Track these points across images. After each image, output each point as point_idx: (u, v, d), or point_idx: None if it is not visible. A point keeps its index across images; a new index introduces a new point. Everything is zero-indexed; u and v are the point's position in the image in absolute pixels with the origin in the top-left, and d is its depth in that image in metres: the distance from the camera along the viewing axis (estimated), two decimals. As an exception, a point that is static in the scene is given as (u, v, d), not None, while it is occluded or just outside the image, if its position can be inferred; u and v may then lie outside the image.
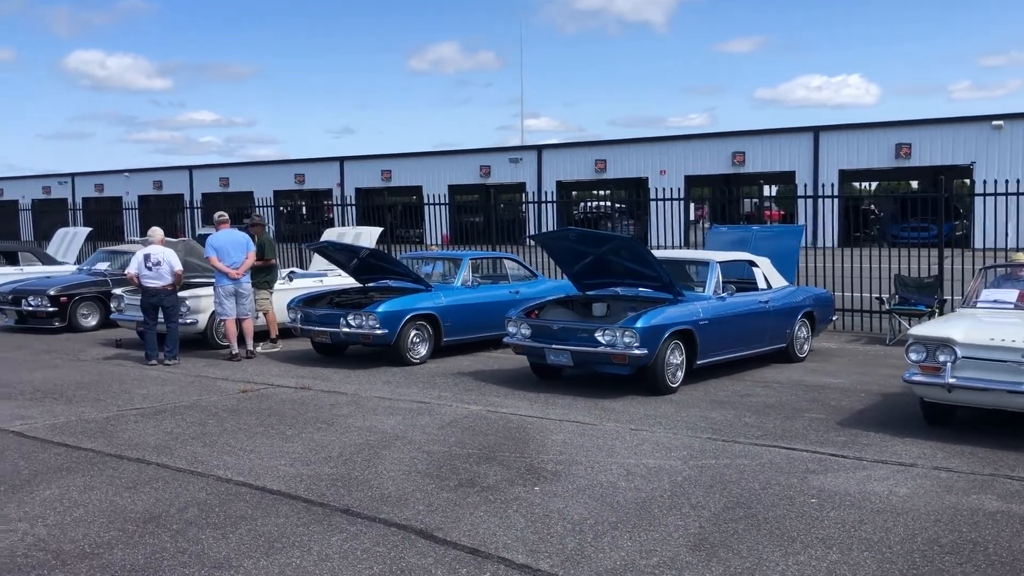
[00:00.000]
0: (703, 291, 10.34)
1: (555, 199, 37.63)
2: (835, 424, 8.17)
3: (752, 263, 11.40)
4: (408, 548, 5.06)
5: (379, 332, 11.42)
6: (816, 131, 38.99)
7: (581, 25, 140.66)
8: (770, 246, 12.32)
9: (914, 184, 45.05)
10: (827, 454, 7.10)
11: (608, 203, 41.94)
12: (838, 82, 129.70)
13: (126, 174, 61.81)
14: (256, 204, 33.53)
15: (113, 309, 14.01)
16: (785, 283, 11.77)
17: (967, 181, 42.08)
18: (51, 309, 15.65)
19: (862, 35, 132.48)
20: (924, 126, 37.41)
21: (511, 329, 10.25)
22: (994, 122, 35.47)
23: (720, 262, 10.70)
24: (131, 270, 12.12)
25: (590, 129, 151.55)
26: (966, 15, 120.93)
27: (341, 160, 52.72)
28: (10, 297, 16.11)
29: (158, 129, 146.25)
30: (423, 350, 11.96)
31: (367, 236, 16.44)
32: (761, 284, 11.27)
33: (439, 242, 24.02)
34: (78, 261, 21.84)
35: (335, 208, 45.82)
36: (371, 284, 13.11)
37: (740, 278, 11.35)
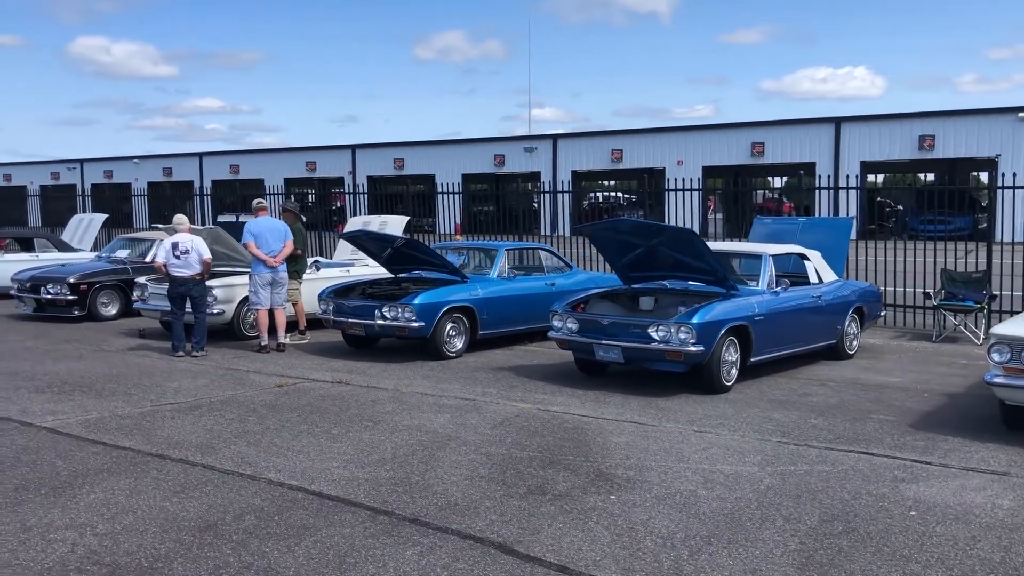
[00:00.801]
0: (756, 285, 9.93)
1: (571, 189, 37.14)
2: (907, 427, 7.77)
3: (803, 256, 10.99)
4: (491, 564, 4.68)
5: (415, 325, 11.04)
6: (837, 122, 38.43)
7: (587, 15, 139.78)
8: (817, 239, 11.89)
9: (930, 176, 44.50)
10: (910, 460, 6.71)
11: (619, 194, 41.64)
12: (844, 74, 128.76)
13: (135, 160, 61.42)
14: (267, 191, 33.17)
15: (136, 298, 13.64)
16: (834, 277, 11.36)
17: (980, 174, 41.63)
18: (71, 297, 15.29)
19: (869, 27, 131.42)
20: (948, 118, 36.82)
21: (556, 323, 9.86)
22: (1020, 114, 34.91)
23: (773, 255, 10.30)
24: (158, 259, 11.74)
25: (596, 119, 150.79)
26: (973, 7, 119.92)
27: (353, 148, 52.24)
28: (28, 285, 15.75)
29: (164, 116, 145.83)
30: (459, 343, 11.58)
31: (394, 225, 16.03)
32: (813, 278, 10.87)
33: (451, 232, 23.58)
34: (94, 248, 21.54)
35: (346, 196, 45.50)
36: (403, 275, 12.73)
37: (783, 271, 10.92)
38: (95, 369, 10.76)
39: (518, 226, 32.61)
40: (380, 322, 11.23)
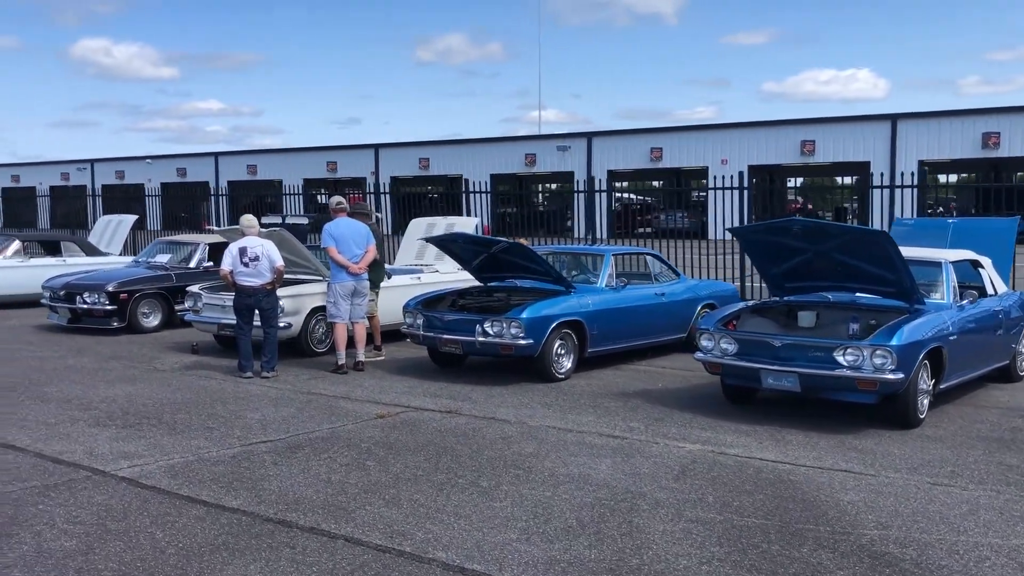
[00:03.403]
0: (940, 298, 8.44)
1: (607, 189, 35.59)
2: None
3: (976, 263, 9.50)
4: None
5: (523, 342, 9.56)
6: (894, 119, 36.77)
7: (588, 16, 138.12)
8: (975, 242, 10.38)
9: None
10: None
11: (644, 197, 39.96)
12: (847, 76, 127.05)
13: (148, 160, 59.97)
14: (285, 192, 31.72)
15: (188, 309, 12.16)
16: (1005, 287, 9.87)
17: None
18: (109, 307, 13.80)
19: (871, 30, 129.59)
20: (1015, 114, 35.09)
21: (706, 343, 8.37)
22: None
23: (952, 262, 8.81)
24: (224, 266, 10.25)
25: (596, 121, 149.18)
26: (974, 10, 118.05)
27: (376, 147, 50.69)
28: (63, 293, 14.27)
29: (165, 118, 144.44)
30: (568, 363, 10.10)
31: (461, 227, 14.54)
32: (988, 288, 9.38)
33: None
34: (124, 251, 20.09)
35: (368, 197, 43.98)
36: (494, 284, 11.25)
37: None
38: (156, 394, 9.29)
39: (549, 228, 31.28)
40: (481, 339, 9.75)
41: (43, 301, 14.78)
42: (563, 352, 10.03)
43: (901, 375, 7.32)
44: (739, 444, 7.21)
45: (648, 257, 11.87)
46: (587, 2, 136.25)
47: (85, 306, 13.92)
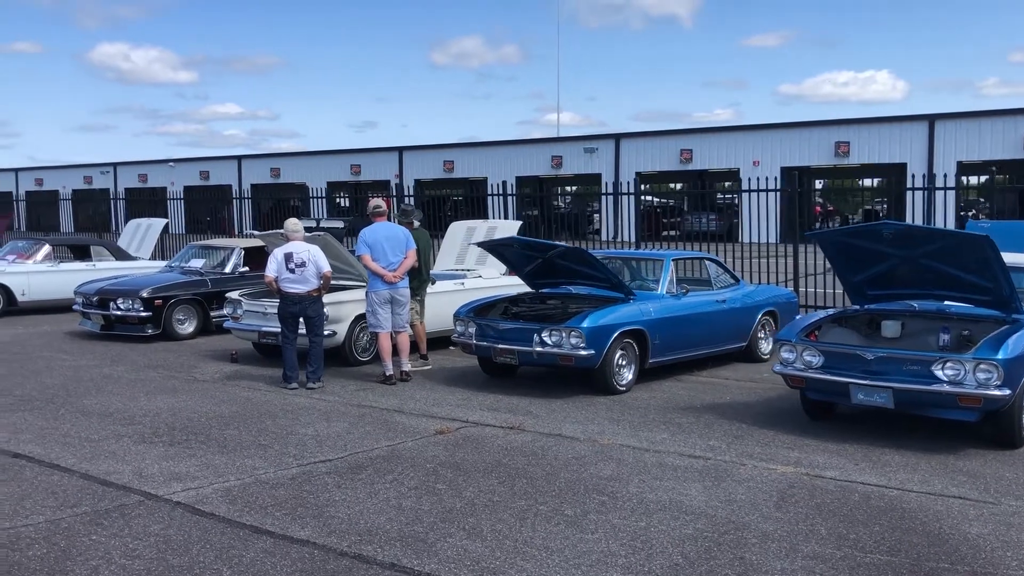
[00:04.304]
0: (1037, 307, 7.86)
1: (634, 191, 34.98)
2: None
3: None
4: None
5: (583, 353, 9.05)
6: (931, 119, 35.96)
7: (605, 19, 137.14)
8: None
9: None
10: None
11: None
12: (865, 78, 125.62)
13: (171, 164, 59.85)
14: (311, 195, 31.36)
15: (228, 316, 11.74)
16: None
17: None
18: (144, 314, 13.40)
19: (889, 31, 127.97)
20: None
21: (787, 355, 7.84)
22: None
23: (1048, 269, 8.24)
24: (268, 272, 9.81)
25: (612, 124, 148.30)
26: (994, 11, 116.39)
27: (400, 150, 50.29)
28: (96, 299, 13.87)
29: (183, 122, 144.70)
30: (628, 375, 9.60)
31: (505, 230, 14.05)
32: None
33: None
34: (154, 256, 19.75)
35: (392, 200, 43.64)
36: (546, 290, 10.75)
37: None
38: (200, 407, 8.85)
39: (573, 231, 30.71)
40: (539, 349, 9.26)
41: (75, 307, 14.41)
42: (624, 363, 9.53)
43: (1007, 391, 6.77)
44: (833, 466, 6.68)
45: (707, 262, 11.34)
46: (603, 5, 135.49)
47: (119, 312, 13.53)
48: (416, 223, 11.22)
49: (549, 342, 9.22)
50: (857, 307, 8.46)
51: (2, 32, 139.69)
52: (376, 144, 55.26)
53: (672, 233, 30.73)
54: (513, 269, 10.89)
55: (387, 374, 10.08)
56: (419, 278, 10.93)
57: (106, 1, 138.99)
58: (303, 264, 9.70)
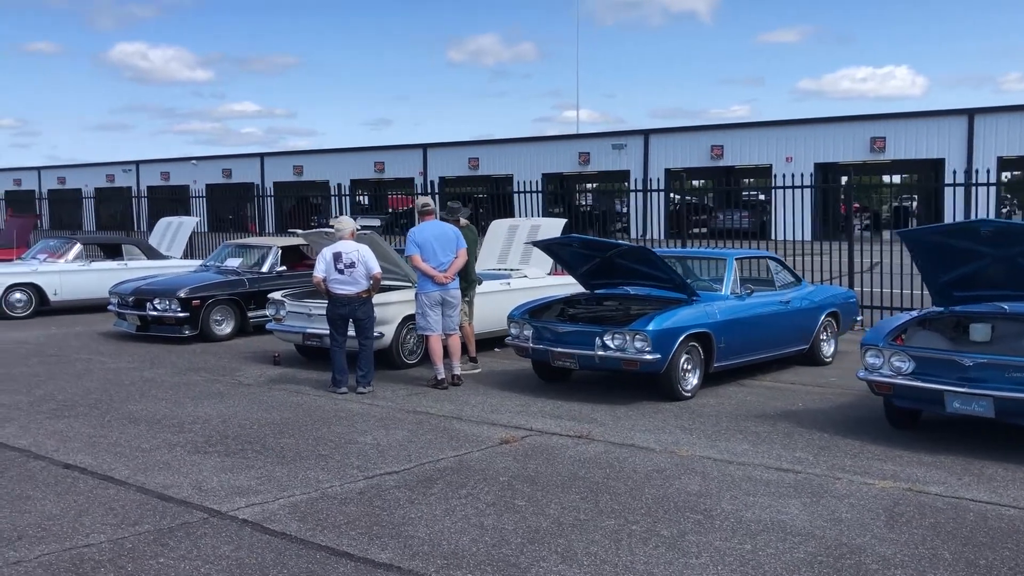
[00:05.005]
0: None
1: (664, 188, 34.49)
2: None
3: None
4: None
5: (649, 357, 8.64)
6: (970, 114, 35.23)
7: (622, 15, 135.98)
8: None
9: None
10: None
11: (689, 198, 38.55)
12: (884, 74, 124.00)
13: (193, 162, 59.77)
14: (332, 193, 31.04)
15: (270, 318, 11.39)
16: None
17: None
18: (181, 314, 13.09)
19: (908, 26, 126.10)
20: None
21: (873, 360, 7.39)
22: None
23: None
24: (317, 273, 9.45)
25: (630, 121, 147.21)
26: (1015, 5, 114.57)
27: (424, 147, 49.93)
28: (131, 300, 13.58)
29: (200, 120, 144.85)
30: (694, 379, 9.18)
31: (549, 229, 13.65)
32: None
33: None
34: (186, 255, 19.48)
35: (416, 198, 43.18)
36: (601, 291, 10.34)
37: None
38: (250, 413, 8.50)
39: (600, 229, 30.29)
40: (601, 353, 8.85)
41: (110, 307, 14.13)
42: (688, 367, 9.12)
43: (1121, 401, 6.33)
44: (935, 480, 6.25)
45: (770, 261, 10.90)
46: (621, 1, 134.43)
47: (155, 313, 13.23)
48: (463, 220, 10.86)
49: (612, 346, 8.81)
50: (941, 309, 8.02)
51: (21, 32, 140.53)
52: (400, 141, 54.78)
53: (700, 230, 30.34)
54: (567, 269, 10.48)
55: (439, 378, 9.71)
56: (468, 278, 10.57)
57: (123, 0, 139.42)
58: (352, 264, 9.34)
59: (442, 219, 10.59)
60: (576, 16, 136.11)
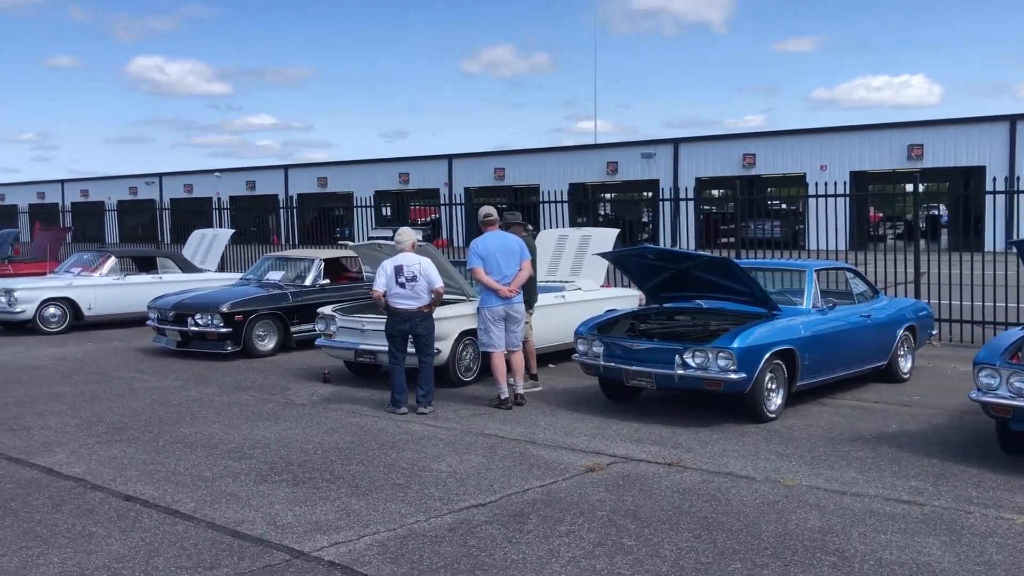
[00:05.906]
0: None
1: (694, 197, 33.82)
2: None
3: None
4: None
5: (733, 376, 8.09)
6: (1013, 120, 34.40)
7: (637, 26, 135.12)
8: None
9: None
10: None
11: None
12: (900, 82, 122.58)
13: (217, 174, 59.64)
14: (356, 204, 30.64)
15: (320, 333, 10.92)
16: None
17: None
18: (223, 330, 12.65)
19: (923, 35, 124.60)
20: None
21: (988, 380, 6.83)
22: None
23: None
24: (377, 287, 8.97)
25: (644, 131, 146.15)
26: None
27: (449, 158, 49.54)
28: (172, 315, 13.15)
29: (216, 133, 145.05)
30: (778, 399, 8.62)
31: (600, 240, 13.13)
32: None
33: None
34: (220, 267, 19.05)
35: (442, 208, 42.82)
36: (671, 304, 9.81)
37: None
38: (310, 436, 8.01)
39: (627, 238, 29.68)
40: (681, 372, 8.31)
41: (149, 322, 13.71)
42: (773, 387, 8.56)
43: None
44: (1079, 515, 5.69)
45: (848, 273, 10.34)
46: (635, 12, 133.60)
47: (197, 328, 12.79)
48: (528, 228, 10.37)
49: (693, 364, 8.27)
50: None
51: (43, 47, 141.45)
52: (417, 153, 54.38)
53: (729, 240, 29.72)
54: (635, 281, 9.97)
55: (502, 397, 9.20)
56: (531, 291, 10.07)
57: (141, 14, 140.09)
58: (414, 278, 8.86)
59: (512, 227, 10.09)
60: (594, 26, 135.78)
